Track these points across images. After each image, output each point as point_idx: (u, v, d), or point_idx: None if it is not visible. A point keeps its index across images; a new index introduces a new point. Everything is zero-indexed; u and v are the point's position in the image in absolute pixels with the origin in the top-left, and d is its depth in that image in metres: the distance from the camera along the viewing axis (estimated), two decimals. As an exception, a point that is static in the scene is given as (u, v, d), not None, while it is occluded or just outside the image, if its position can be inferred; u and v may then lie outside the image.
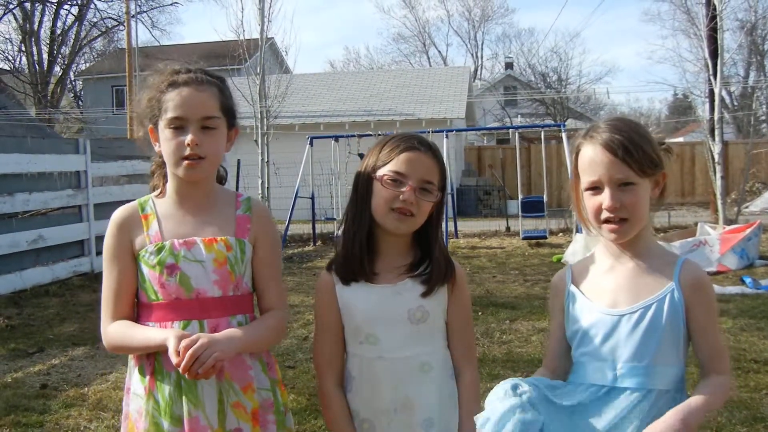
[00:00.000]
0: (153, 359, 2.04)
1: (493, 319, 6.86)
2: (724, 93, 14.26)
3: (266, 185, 13.18)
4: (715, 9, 12.45)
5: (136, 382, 2.08)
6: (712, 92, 12.77)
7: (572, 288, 2.01)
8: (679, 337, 1.87)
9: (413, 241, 2.10)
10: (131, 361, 2.12)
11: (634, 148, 1.84)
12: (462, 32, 49.39)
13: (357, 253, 2.05)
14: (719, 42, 12.51)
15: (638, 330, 1.86)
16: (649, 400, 1.84)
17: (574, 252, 10.74)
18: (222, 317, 2.06)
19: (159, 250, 2.06)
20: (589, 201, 1.90)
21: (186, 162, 2.04)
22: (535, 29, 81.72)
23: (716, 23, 12.40)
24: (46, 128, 24.61)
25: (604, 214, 1.87)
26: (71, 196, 9.84)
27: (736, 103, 30.05)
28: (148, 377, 2.04)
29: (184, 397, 1.99)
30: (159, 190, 2.19)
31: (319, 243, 14.63)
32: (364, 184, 2.07)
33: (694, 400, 1.78)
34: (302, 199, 14.57)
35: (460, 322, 2.12)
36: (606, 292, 1.94)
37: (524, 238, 13.47)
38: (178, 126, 2.04)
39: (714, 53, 12.58)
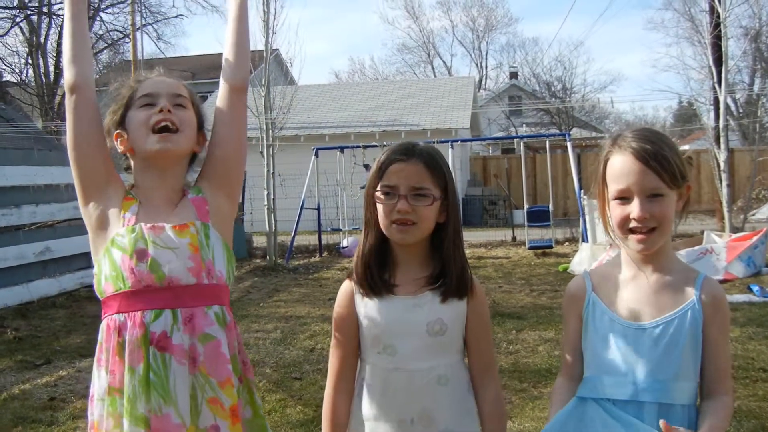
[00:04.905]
0: (117, 356, 1.94)
1: (500, 330, 6.84)
2: (729, 100, 14.24)
3: (272, 197, 13.19)
4: (718, 16, 12.44)
5: (101, 383, 1.97)
6: (717, 100, 12.75)
7: (594, 296, 1.98)
8: (698, 352, 1.86)
9: (432, 251, 2.08)
10: (95, 363, 2.02)
11: (665, 158, 1.83)
12: (466, 42, 49.45)
13: (370, 269, 2.06)
14: (723, 49, 12.49)
15: (660, 344, 1.85)
16: (668, 415, 1.81)
17: (580, 261, 10.73)
18: (197, 306, 1.98)
19: (131, 232, 1.99)
20: (616, 210, 1.89)
21: (158, 135, 2.02)
22: (540, 38, 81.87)
23: (720, 31, 12.39)
24: (53, 140, 24.62)
25: (632, 224, 1.85)
26: (78, 208, 9.83)
27: (741, 111, 30.00)
28: (114, 375, 1.94)
29: (153, 393, 1.89)
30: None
31: (325, 254, 14.63)
32: (368, 202, 2.08)
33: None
34: (308, 210, 14.59)
35: (479, 337, 2.10)
36: (628, 305, 1.92)
37: (530, 248, 13.45)
38: (149, 103, 2.05)
39: (718, 61, 12.56)
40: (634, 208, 1.84)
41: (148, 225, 2.01)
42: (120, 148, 2.12)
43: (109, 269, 1.99)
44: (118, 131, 2.10)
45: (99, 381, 1.99)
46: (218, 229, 2.11)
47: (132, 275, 1.95)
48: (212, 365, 1.96)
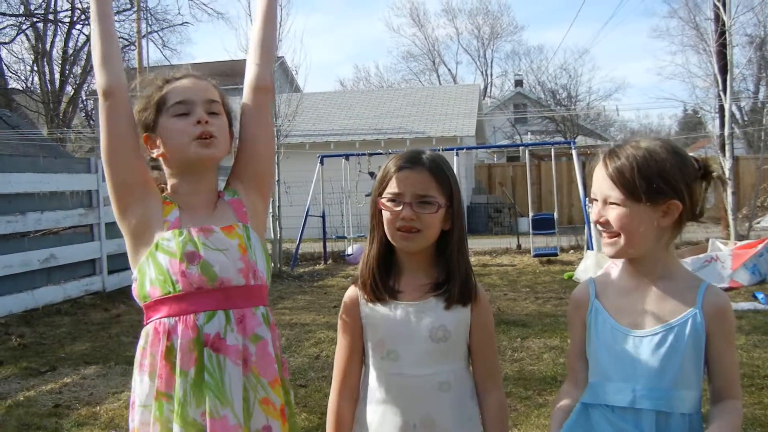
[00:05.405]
0: (165, 360, 1.92)
1: (505, 337, 6.83)
2: (734, 108, 14.24)
3: (277, 204, 13.21)
4: (723, 24, 12.44)
5: (144, 388, 1.95)
6: (722, 108, 12.74)
7: (597, 303, 1.99)
8: (700, 361, 1.86)
9: (436, 258, 2.09)
10: (137, 369, 2.00)
11: (631, 172, 1.83)
12: (471, 50, 49.47)
13: (375, 275, 2.07)
14: (729, 57, 12.48)
15: (659, 352, 1.85)
16: (667, 424, 1.83)
17: (585, 269, 10.71)
18: (247, 307, 2.00)
19: (178, 236, 1.98)
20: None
21: (198, 141, 2.01)
22: (545, 46, 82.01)
23: (725, 39, 12.39)
24: (59, 147, 24.75)
25: (597, 226, 1.93)
26: (83, 215, 9.88)
27: (746, 119, 30.00)
28: (162, 380, 1.91)
29: (208, 395, 1.89)
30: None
31: (330, 261, 14.63)
32: (374, 209, 2.09)
33: None
34: (313, 218, 14.60)
35: (483, 344, 2.11)
36: (629, 312, 1.93)
37: (535, 256, 13.46)
38: (184, 112, 2.02)
39: (723, 69, 12.55)
40: (593, 210, 1.94)
41: (196, 228, 2.01)
42: (153, 153, 2.11)
43: (155, 273, 1.98)
44: (147, 134, 2.09)
45: (141, 387, 1.98)
46: (256, 230, 2.14)
47: (183, 278, 1.95)
48: (262, 365, 1.98)
